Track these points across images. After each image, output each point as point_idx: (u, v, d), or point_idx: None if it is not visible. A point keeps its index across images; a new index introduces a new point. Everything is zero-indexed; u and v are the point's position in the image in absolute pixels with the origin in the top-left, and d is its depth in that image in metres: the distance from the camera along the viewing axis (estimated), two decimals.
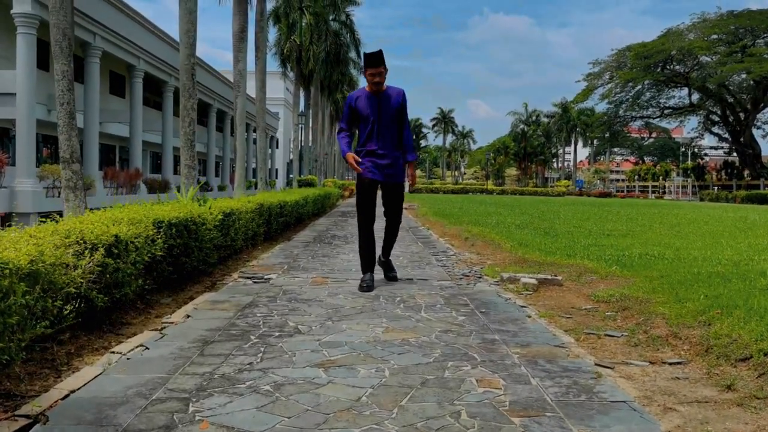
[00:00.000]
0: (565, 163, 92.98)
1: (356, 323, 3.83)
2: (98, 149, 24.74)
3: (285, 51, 34.28)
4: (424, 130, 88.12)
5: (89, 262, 3.26)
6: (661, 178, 74.44)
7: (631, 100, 62.47)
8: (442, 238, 10.10)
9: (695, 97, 61.14)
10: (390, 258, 5.51)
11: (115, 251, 3.50)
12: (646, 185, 75.81)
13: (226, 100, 40.36)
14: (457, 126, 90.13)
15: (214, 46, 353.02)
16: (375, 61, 4.97)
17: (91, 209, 17.63)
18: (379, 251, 5.45)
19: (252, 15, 22.34)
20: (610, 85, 62.34)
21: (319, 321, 3.86)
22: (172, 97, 31.64)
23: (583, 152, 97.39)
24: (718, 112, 61.36)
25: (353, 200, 32.46)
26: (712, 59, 54.84)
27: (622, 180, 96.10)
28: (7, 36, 20.77)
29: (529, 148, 72.78)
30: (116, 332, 3.63)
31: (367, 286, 4.92)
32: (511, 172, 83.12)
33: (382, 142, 5.05)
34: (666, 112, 65.41)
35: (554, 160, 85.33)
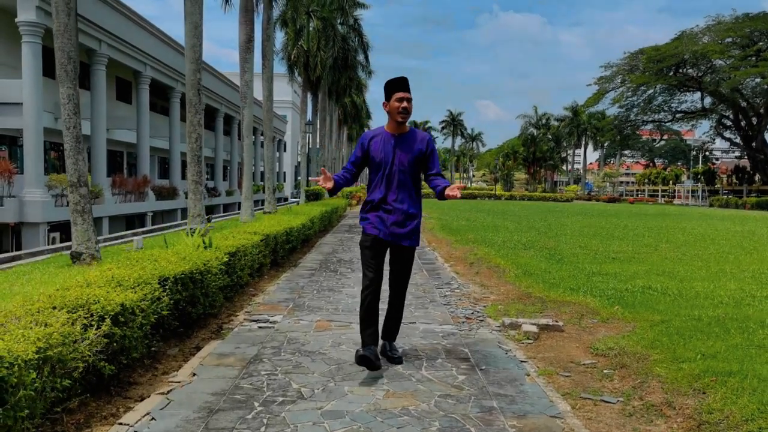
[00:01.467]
0: (575, 166, 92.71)
1: (358, 384, 3.91)
2: (106, 156, 24.89)
3: (292, 57, 34.40)
4: (433, 133, 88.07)
5: (96, 334, 3.36)
6: (671, 182, 74.10)
7: (642, 104, 62.21)
8: (447, 263, 10.17)
9: (707, 101, 60.86)
10: (394, 342, 4.51)
11: (121, 319, 3.60)
12: (656, 189, 75.52)
13: (233, 104, 40.59)
14: (466, 129, 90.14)
15: (221, 45, 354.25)
16: (404, 84, 4.19)
17: (98, 218, 17.48)
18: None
19: (259, 23, 22.43)
20: (621, 89, 62.18)
21: (321, 382, 3.94)
22: (179, 103, 31.85)
23: (594, 155, 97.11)
24: (731, 117, 61.04)
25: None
26: (725, 63, 54.51)
27: (632, 183, 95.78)
28: (12, 44, 20.98)
29: (538, 153, 72.69)
30: (124, 395, 3.73)
31: (361, 356, 4.08)
32: (521, 176, 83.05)
33: (393, 194, 4.20)
34: (678, 116, 65.12)
35: (563, 164, 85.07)
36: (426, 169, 4.33)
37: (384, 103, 4.25)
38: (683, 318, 5.72)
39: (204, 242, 5.82)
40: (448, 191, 4.10)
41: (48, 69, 21.09)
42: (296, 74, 36.68)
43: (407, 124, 4.34)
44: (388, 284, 4.41)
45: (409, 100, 4.18)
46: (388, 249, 4.34)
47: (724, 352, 4.34)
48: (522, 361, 4.52)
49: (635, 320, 5.81)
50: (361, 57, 44.45)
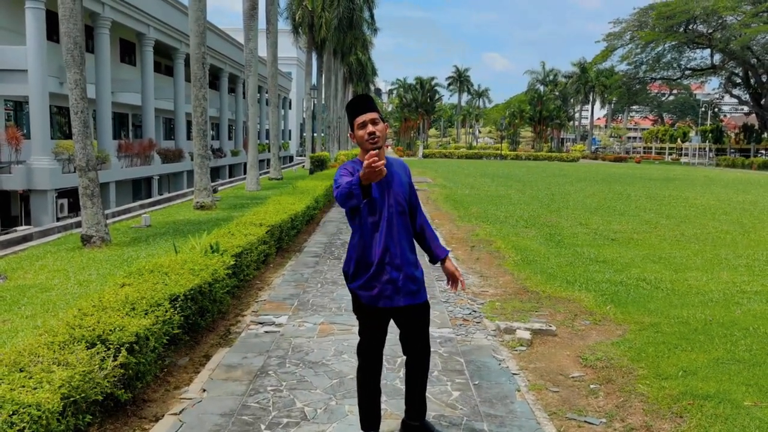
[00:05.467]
0: (582, 122, 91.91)
1: (357, 403, 4.16)
2: (111, 120, 24.87)
3: (297, 17, 33.95)
4: (440, 90, 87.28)
5: (113, 365, 3.60)
6: (679, 140, 73.56)
7: (651, 61, 61.38)
8: (449, 247, 10.38)
9: (717, 57, 59.92)
10: (427, 420, 3.69)
11: (136, 348, 3.84)
12: (663, 147, 75.07)
13: (237, 63, 40.18)
14: (472, 85, 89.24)
15: None
16: (363, 104, 3.30)
17: (105, 183, 17.59)
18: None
19: None
20: (630, 46, 61.28)
21: (323, 400, 4.20)
22: (183, 64, 31.60)
23: (601, 111, 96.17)
24: (740, 74, 60.22)
25: None
26: (736, 20, 53.44)
27: (639, 139, 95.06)
28: (15, 9, 20.80)
29: (545, 112, 71.99)
30: (139, 415, 4.01)
31: None
32: (527, 133, 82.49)
33: (397, 245, 3.32)
34: (687, 73, 64.30)
35: (570, 122, 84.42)
36: (409, 205, 3.49)
37: (350, 134, 3.39)
38: (672, 320, 5.96)
39: (211, 246, 6.02)
40: (450, 277, 3.61)
41: (51, 32, 20.95)
42: (300, 33, 36.22)
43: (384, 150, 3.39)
44: (405, 353, 3.56)
45: (374, 121, 3.26)
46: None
47: (705, 368, 4.57)
48: (514, 374, 4.77)
49: (626, 322, 6.06)
50: (366, 14, 43.73)
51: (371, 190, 3.09)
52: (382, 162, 2.88)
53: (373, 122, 3.25)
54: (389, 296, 3.30)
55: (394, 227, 3.33)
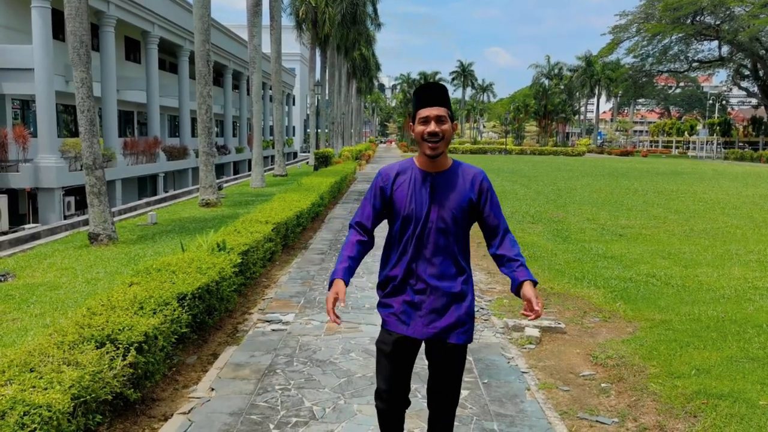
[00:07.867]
0: (587, 116, 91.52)
1: (366, 402, 4.14)
2: (116, 118, 24.94)
3: (300, 13, 33.85)
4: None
5: (123, 365, 3.59)
6: (686, 133, 73.16)
7: (658, 54, 60.96)
8: None
9: (725, 49, 59.51)
10: None
11: (145, 347, 3.82)
12: (670, 140, 74.68)
13: (241, 60, 40.22)
14: (476, 79, 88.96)
15: None
16: (431, 95, 2.70)
17: (111, 181, 17.63)
18: None
19: None
20: (636, 39, 60.90)
21: (332, 399, 4.18)
22: (187, 61, 31.69)
23: (607, 105, 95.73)
24: (749, 66, 59.78)
25: (369, 171, 32.43)
26: (744, 11, 53.02)
27: (646, 132, 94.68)
28: (22, 8, 20.90)
29: (549, 107, 71.67)
30: (149, 414, 3.99)
31: None
32: (532, 128, 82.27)
33: (427, 265, 2.74)
34: (694, 65, 63.85)
35: (575, 116, 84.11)
36: (484, 227, 2.83)
37: (409, 124, 2.81)
38: (683, 317, 5.90)
39: (218, 244, 6.00)
40: (526, 309, 2.67)
41: (57, 31, 20.98)
42: (304, 29, 36.11)
43: (447, 154, 2.80)
44: (427, 404, 2.99)
45: (440, 119, 2.66)
46: (423, 348, 2.87)
47: (719, 367, 4.52)
48: (523, 372, 4.74)
49: (636, 319, 6.01)
50: (370, 9, 43.58)
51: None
52: (334, 319, 2.65)
53: (438, 120, 2.67)
54: (405, 321, 2.76)
55: (429, 245, 2.74)
